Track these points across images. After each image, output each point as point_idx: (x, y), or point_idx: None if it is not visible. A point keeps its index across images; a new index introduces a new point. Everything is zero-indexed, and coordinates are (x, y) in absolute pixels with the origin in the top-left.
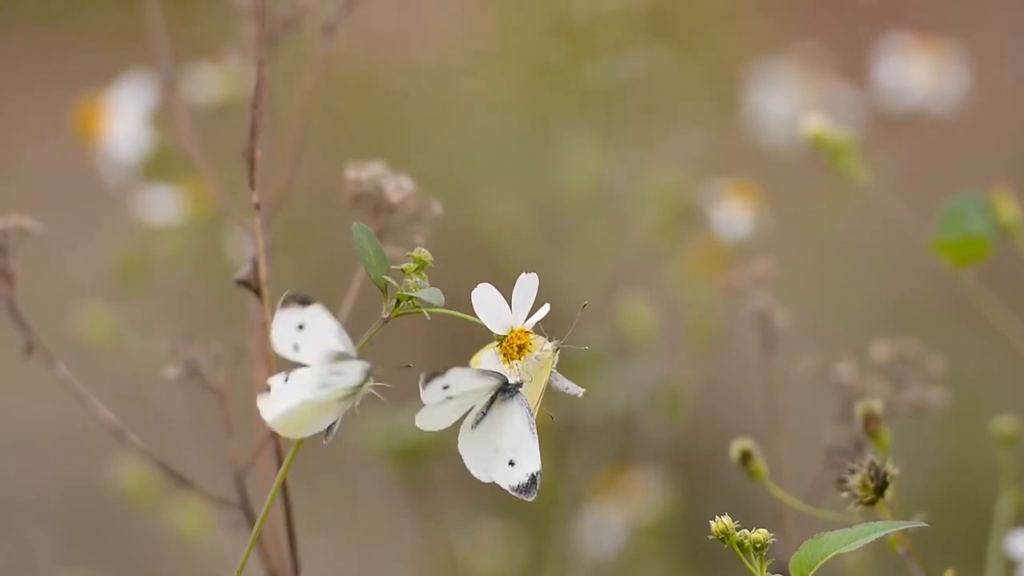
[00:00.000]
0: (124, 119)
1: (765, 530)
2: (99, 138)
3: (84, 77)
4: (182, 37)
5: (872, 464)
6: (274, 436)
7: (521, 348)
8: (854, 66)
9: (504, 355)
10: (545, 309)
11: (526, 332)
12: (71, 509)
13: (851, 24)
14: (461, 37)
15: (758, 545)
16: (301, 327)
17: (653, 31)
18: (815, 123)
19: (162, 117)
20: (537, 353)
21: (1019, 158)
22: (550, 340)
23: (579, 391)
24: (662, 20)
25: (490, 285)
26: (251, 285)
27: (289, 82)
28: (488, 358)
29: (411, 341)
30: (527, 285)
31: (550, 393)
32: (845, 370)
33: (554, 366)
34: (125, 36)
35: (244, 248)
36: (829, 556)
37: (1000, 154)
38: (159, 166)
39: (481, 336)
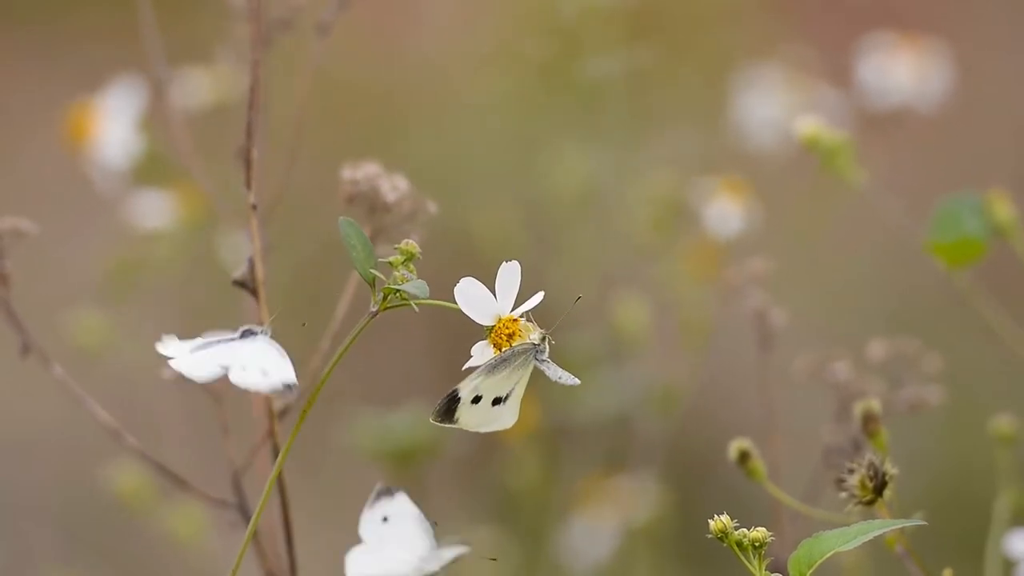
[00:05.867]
0: (115, 124)
1: (764, 529)
2: (90, 143)
3: (81, 77)
4: (176, 37)
5: (871, 463)
6: (271, 436)
7: (511, 336)
8: (849, 68)
9: (494, 345)
10: (538, 297)
11: (514, 320)
12: (70, 510)
13: (848, 26)
14: (456, 38)
15: (757, 544)
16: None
17: (645, 31)
18: (810, 125)
19: (154, 120)
20: (527, 340)
21: (1014, 157)
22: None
23: (574, 381)
24: (654, 20)
25: (471, 278)
26: (248, 285)
27: (284, 83)
28: (479, 349)
29: (411, 341)
30: (509, 273)
31: (546, 395)
32: (842, 369)
33: (546, 355)
34: (123, 36)
35: (239, 249)
36: (828, 555)
37: (994, 153)
38: (151, 170)
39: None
